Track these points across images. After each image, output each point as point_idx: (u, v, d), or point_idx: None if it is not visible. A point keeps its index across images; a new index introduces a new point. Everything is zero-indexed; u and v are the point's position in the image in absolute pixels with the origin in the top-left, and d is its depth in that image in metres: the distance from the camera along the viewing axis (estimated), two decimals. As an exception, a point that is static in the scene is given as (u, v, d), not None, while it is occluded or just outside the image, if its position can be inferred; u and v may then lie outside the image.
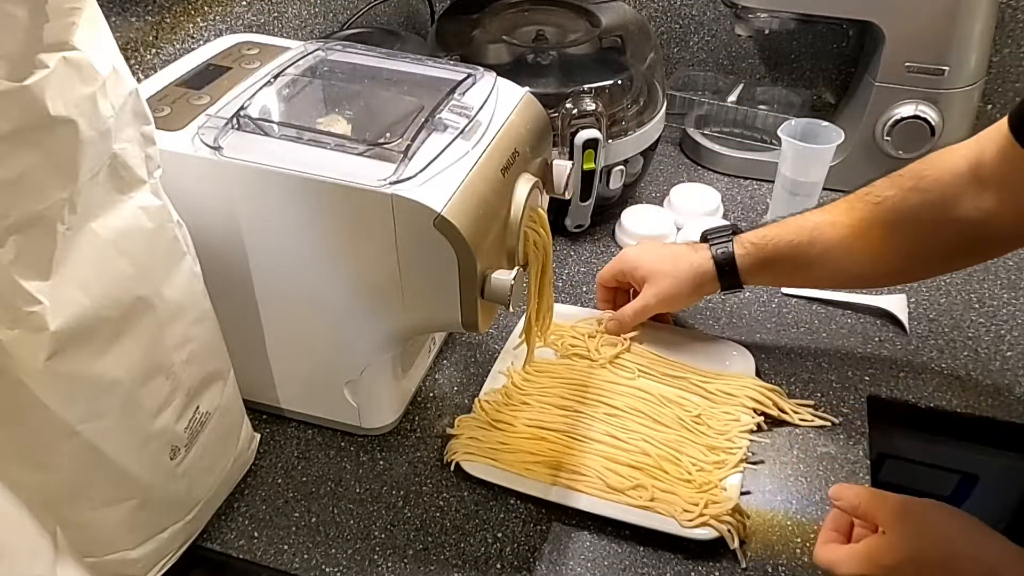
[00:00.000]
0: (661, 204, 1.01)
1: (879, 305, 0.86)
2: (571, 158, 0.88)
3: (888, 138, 1.00)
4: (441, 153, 0.56)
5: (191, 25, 0.82)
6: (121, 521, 0.53)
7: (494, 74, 0.66)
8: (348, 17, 1.09)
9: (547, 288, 0.67)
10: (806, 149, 0.93)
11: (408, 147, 0.55)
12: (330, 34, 1.03)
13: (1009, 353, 0.81)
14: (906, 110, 0.99)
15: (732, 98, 1.17)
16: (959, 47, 0.95)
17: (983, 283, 0.91)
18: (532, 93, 0.67)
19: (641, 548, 0.63)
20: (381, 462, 0.70)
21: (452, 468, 0.68)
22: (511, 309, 0.57)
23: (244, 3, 0.89)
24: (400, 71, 0.68)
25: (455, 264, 0.54)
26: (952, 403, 0.75)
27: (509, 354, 0.78)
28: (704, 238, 0.77)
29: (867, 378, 0.78)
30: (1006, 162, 0.60)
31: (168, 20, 0.79)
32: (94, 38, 0.44)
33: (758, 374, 0.77)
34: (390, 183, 0.53)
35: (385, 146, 0.56)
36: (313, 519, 0.65)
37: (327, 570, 0.62)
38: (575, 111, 0.87)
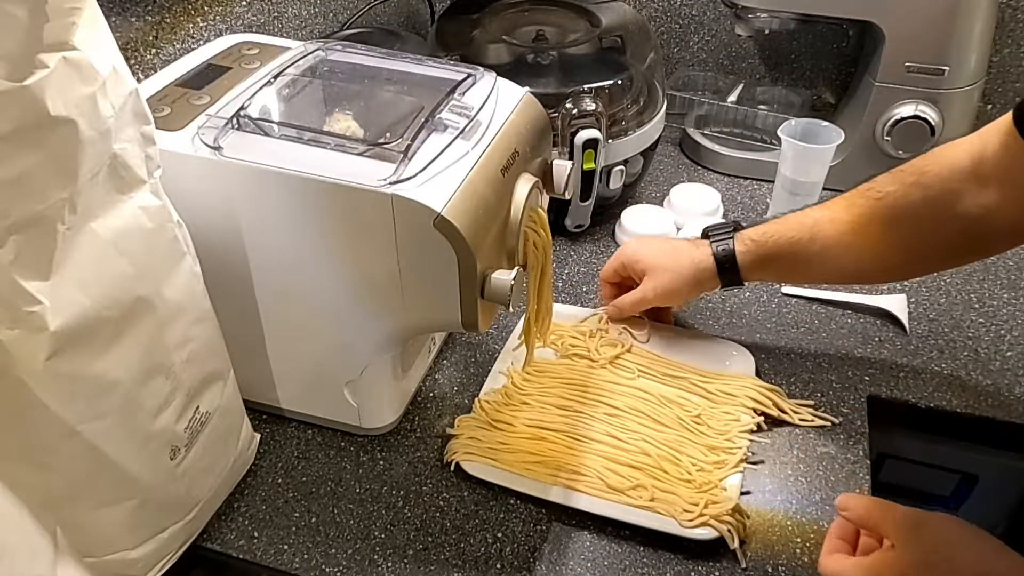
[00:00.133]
0: (661, 204, 1.01)
1: (879, 305, 0.86)
2: (571, 158, 0.88)
3: (888, 138, 1.00)
4: (441, 153, 0.56)
5: (191, 25, 0.82)
6: (121, 521, 0.53)
7: (494, 74, 0.66)
8: (348, 17, 1.09)
9: (546, 290, 0.67)
10: (806, 149, 0.93)
11: (408, 147, 0.55)
12: (330, 34, 1.03)
13: (1009, 353, 0.81)
14: (906, 110, 0.99)
15: (732, 98, 1.17)
16: (959, 47, 0.95)
17: (983, 283, 0.91)
18: (532, 93, 0.67)
19: (641, 548, 0.63)
20: (381, 462, 0.70)
21: (452, 468, 0.68)
22: (511, 309, 0.57)
23: (244, 3, 0.89)
24: (400, 71, 0.68)
25: (455, 264, 0.54)
26: (952, 403, 0.75)
27: (509, 354, 0.78)
28: (705, 234, 0.77)
29: (867, 378, 0.78)
30: (1009, 157, 0.59)
31: (168, 20, 0.79)
32: (94, 38, 0.44)
33: (758, 374, 0.77)
34: (390, 183, 0.53)
35: (385, 146, 0.56)
36: (313, 519, 0.65)
37: (327, 570, 0.62)
38: (575, 111, 0.87)
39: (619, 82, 0.93)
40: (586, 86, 0.89)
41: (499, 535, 0.64)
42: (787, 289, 0.89)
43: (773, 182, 1.00)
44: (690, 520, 0.62)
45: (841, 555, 0.55)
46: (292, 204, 0.57)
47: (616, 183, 0.95)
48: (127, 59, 0.52)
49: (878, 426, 0.74)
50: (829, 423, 0.73)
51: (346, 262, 0.59)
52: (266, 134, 0.58)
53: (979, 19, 0.95)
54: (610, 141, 0.91)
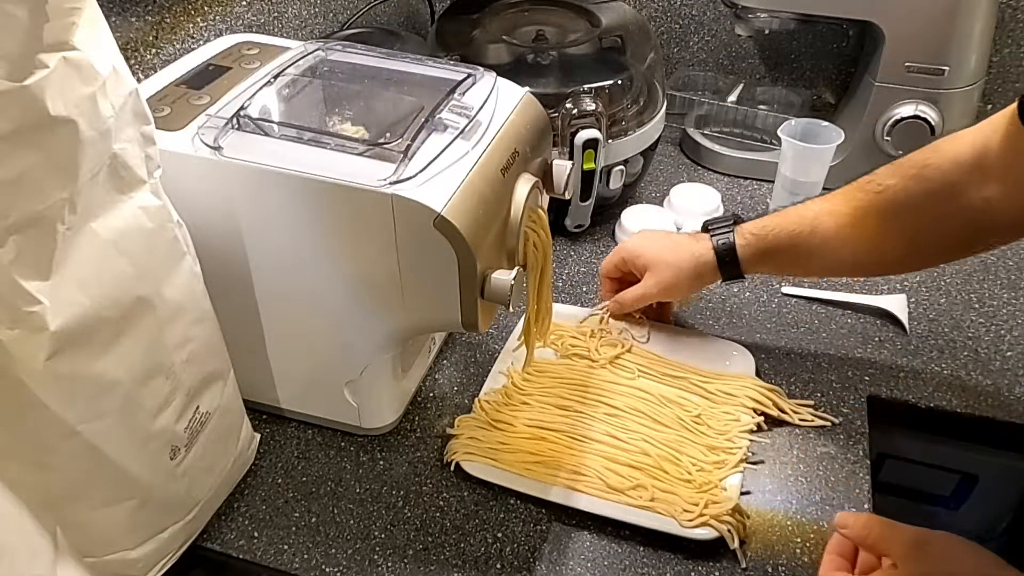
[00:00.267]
0: (661, 204, 1.01)
1: (879, 305, 0.86)
2: (571, 158, 0.88)
3: (888, 138, 1.00)
4: (441, 153, 0.56)
5: (191, 25, 0.82)
6: (121, 521, 0.53)
7: (494, 74, 0.66)
8: (348, 17, 1.09)
9: (546, 291, 0.67)
10: (806, 149, 0.93)
11: (408, 147, 0.55)
12: (330, 34, 1.03)
13: (1009, 353, 0.81)
14: (906, 110, 0.99)
15: (732, 98, 1.17)
16: (959, 47, 0.95)
17: (983, 283, 0.91)
18: (532, 93, 0.67)
19: (641, 548, 0.63)
20: (381, 462, 0.70)
21: (452, 468, 0.68)
22: (511, 309, 0.57)
23: (244, 3, 0.89)
24: (400, 71, 0.68)
25: (455, 264, 0.54)
26: (952, 403, 0.75)
27: (509, 354, 0.78)
28: (705, 228, 0.77)
29: (867, 378, 0.78)
30: (1012, 150, 0.59)
31: (168, 20, 0.79)
32: (94, 38, 0.44)
33: (758, 374, 0.77)
34: (390, 183, 0.53)
35: (385, 146, 0.56)
36: (313, 519, 0.65)
37: (327, 570, 0.62)
38: (575, 111, 0.87)
39: (619, 82, 0.93)
40: (586, 86, 0.89)
41: (499, 535, 0.64)
42: (787, 289, 0.89)
43: (773, 182, 1.00)
44: (690, 520, 0.62)
45: (843, 573, 0.55)
46: (292, 204, 0.57)
47: (616, 183, 0.95)
48: (127, 59, 0.52)
49: (878, 426, 0.74)
50: (829, 423, 0.73)
51: (346, 262, 0.59)
52: (266, 134, 0.58)
53: (979, 19, 0.95)
54: (610, 141, 0.91)
